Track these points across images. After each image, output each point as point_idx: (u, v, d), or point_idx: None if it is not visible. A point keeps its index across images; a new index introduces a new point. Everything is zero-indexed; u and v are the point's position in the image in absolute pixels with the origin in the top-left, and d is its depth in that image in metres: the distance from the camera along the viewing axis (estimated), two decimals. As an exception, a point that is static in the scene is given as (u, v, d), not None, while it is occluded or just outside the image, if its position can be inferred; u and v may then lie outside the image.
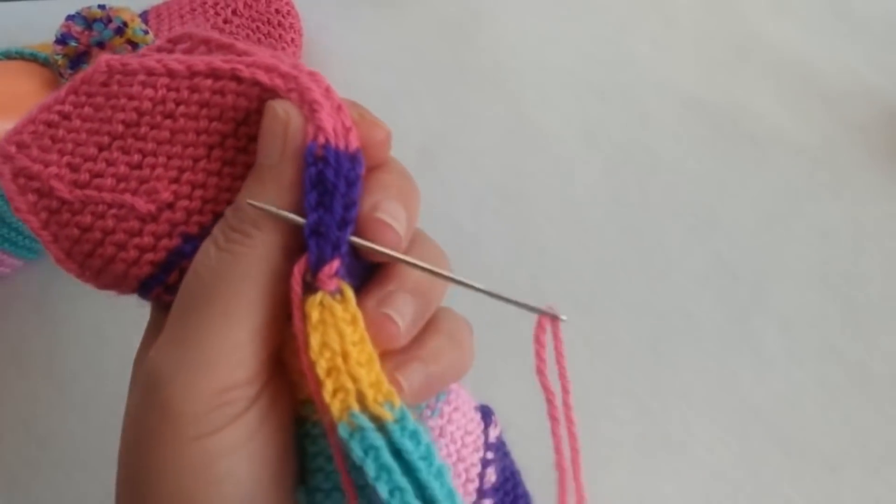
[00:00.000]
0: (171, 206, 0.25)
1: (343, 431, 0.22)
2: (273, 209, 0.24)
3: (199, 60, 0.25)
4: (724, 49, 0.51)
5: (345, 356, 0.22)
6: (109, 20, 0.43)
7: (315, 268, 0.23)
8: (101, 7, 0.44)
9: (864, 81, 0.50)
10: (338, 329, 0.23)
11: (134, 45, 0.43)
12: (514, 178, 0.49)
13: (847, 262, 0.46)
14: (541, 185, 0.49)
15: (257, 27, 0.48)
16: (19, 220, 0.43)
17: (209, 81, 0.25)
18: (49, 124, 0.26)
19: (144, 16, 0.49)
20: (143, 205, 0.25)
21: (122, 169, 0.25)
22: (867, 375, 0.44)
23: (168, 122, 0.25)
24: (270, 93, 0.25)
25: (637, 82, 0.51)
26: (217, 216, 0.26)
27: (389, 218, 0.24)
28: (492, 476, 0.29)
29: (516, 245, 0.47)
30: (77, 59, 0.43)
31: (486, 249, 0.46)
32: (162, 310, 0.26)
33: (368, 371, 0.23)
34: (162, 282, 0.26)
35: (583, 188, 0.49)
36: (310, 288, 0.23)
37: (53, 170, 0.26)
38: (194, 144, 0.25)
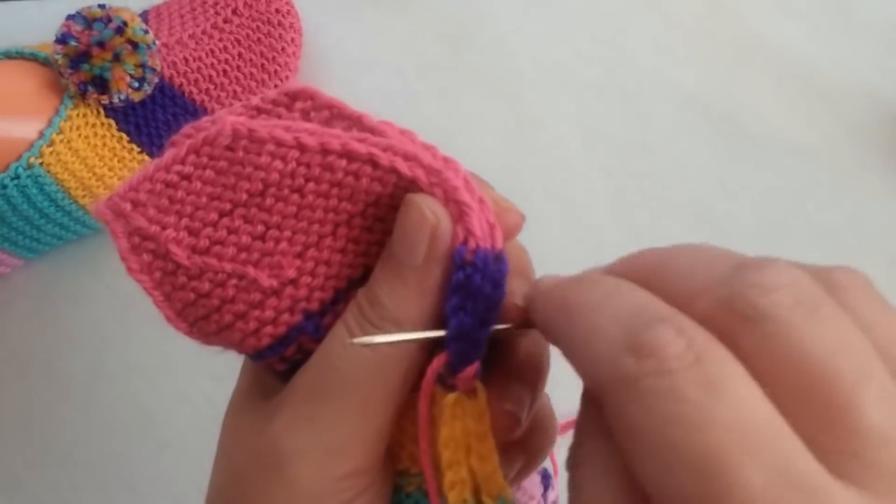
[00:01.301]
0: (294, 282, 0.25)
1: None
2: (412, 336, 0.24)
3: (333, 138, 0.24)
4: (725, 49, 0.51)
5: (468, 450, 0.23)
6: (109, 20, 0.43)
7: (454, 369, 0.23)
8: (101, 7, 0.44)
9: (865, 82, 0.50)
10: (465, 424, 0.23)
11: (134, 45, 0.43)
12: (514, 178, 0.49)
13: (847, 262, 0.46)
14: (541, 184, 0.49)
15: (257, 27, 0.48)
16: (20, 220, 0.44)
17: (343, 162, 0.24)
18: (167, 184, 0.25)
19: (144, 15, 0.49)
20: (266, 279, 0.25)
21: (245, 239, 0.25)
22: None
23: (296, 196, 0.24)
24: (408, 182, 0.24)
25: (637, 82, 0.51)
26: (338, 292, 0.25)
27: (521, 301, 0.24)
28: None
29: (516, 245, 0.47)
30: (77, 59, 0.43)
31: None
32: (268, 371, 0.27)
33: (486, 465, 0.23)
34: (278, 354, 0.25)
35: (583, 188, 0.48)
36: (443, 381, 0.24)
37: (171, 233, 0.25)
38: (321, 221, 0.25)
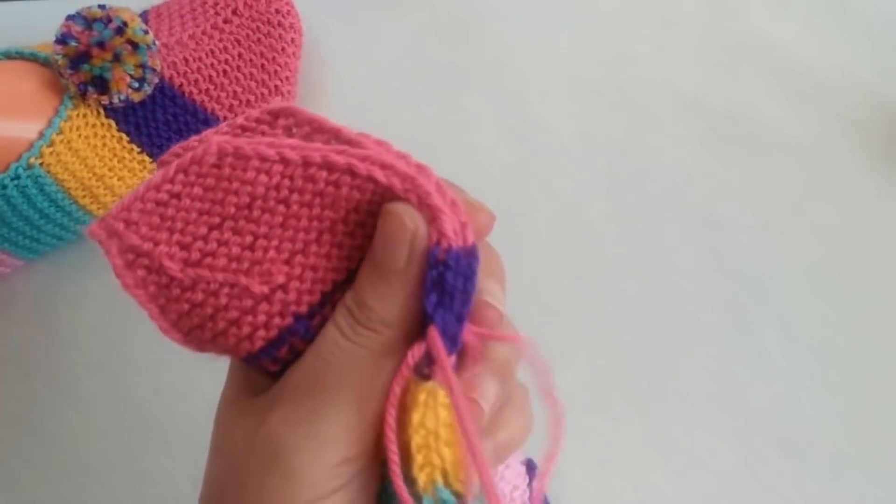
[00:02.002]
0: (283, 287, 0.26)
1: (427, 503, 0.25)
2: None
3: (314, 151, 0.26)
4: (724, 49, 0.51)
5: (436, 436, 0.25)
6: (109, 20, 0.43)
7: (430, 361, 0.25)
8: (101, 7, 0.44)
9: (864, 82, 0.50)
10: (436, 412, 0.25)
11: (134, 45, 0.43)
12: (514, 178, 0.49)
13: (846, 262, 0.46)
14: (541, 184, 0.49)
15: (257, 27, 0.48)
16: (20, 221, 0.44)
17: (324, 173, 0.26)
18: (158, 202, 0.26)
19: (144, 15, 0.49)
20: (257, 286, 0.26)
21: (235, 249, 0.26)
22: (867, 375, 0.44)
23: (281, 207, 0.26)
24: (385, 189, 0.26)
25: (637, 82, 0.51)
26: (324, 295, 0.27)
27: (493, 299, 0.27)
28: None
29: (516, 245, 0.47)
30: (77, 59, 0.43)
31: (486, 249, 0.46)
32: (260, 372, 0.28)
33: (453, 451, 0.25)
34: (271, 356, 0.27)
35: (582, 188, 0.49)
36: (419, 371, 0.25)
37: (164, 248, 0.26)
38: (306, 229, 0.26)
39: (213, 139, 0.26)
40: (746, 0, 0.52)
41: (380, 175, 0.25)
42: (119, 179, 0.45)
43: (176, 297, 0.27)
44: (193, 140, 0.28)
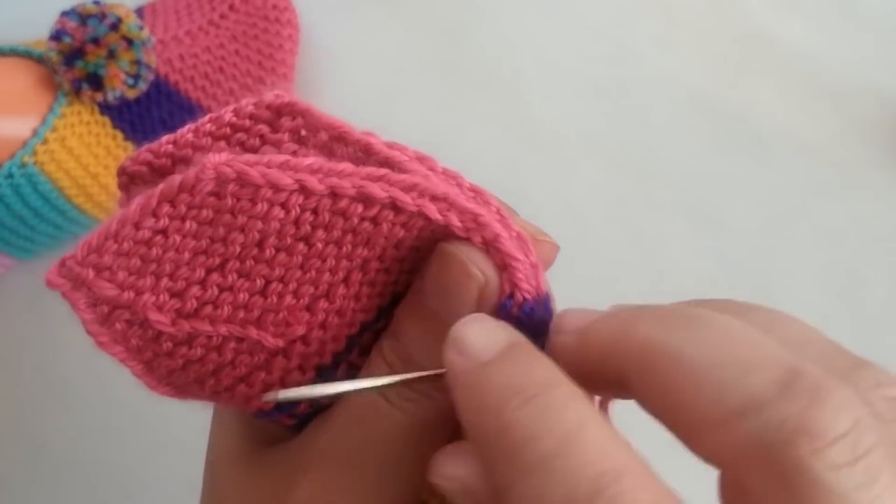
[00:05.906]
0: (303, 338, 0.22)
1: None
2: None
3: (345, 178, 0.20)
4: (729, 45, 0.50)
5: None
6: (104, 16, 0.43)
7: None
8: (96, 3, 0.43)
9: (872, 79, 0.49)
10: None
11: (129, 41, 0.43)
12: (515, 177, 0.48)
13: (853, 261, 0.46)
14: (542, 183, 0.48)
15: (254, 23, 0.48)
16: (14, 220, 0.43)
17: (359, 208, 0.20)
18: (138, 241, 0.20)
19: (140, 11, 0.48)
20: (271, 340, 0.22)
21: (242, 296, 0.21)
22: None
23: (301, 245, 0.21)
24: (438, 226, 0.21)
25: (639, 79, 0.50)
26: (350, 339, 0.23)
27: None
28: None
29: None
30: (71, 56, 0.42)
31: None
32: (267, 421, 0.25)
33: None
34: (288, 412, 0.23)
35: (584, 186, 0.48)
36: None
37: (149, 298, 0.21)
38: (332, 270, 0.21)
39: (210, 161, 0.20)
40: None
41: (433, 211, 0.20)
42: (113, 178, 0.45)
43: (167, 352, 0.22)
44: (166, 142, 0.22)
